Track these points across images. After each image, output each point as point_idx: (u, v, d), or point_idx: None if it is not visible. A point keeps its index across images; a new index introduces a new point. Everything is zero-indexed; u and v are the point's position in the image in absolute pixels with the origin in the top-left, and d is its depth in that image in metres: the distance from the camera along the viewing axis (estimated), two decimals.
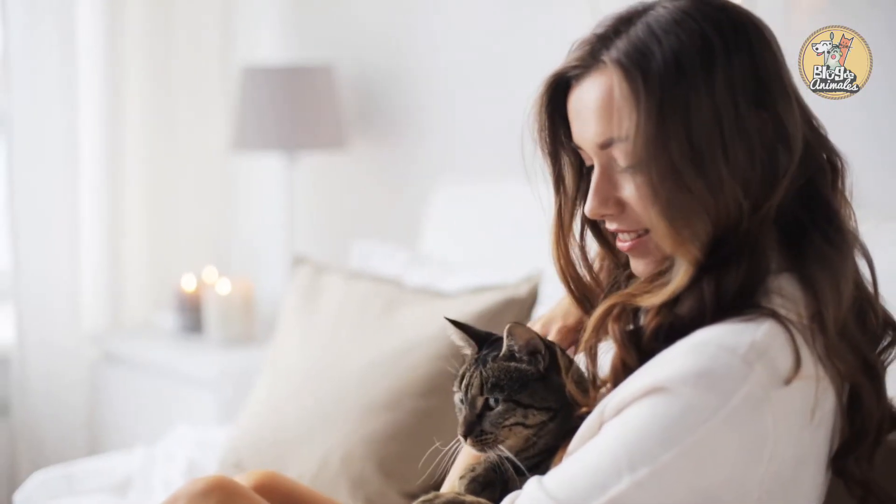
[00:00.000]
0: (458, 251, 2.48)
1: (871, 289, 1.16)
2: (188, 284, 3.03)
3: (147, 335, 3.08)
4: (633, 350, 1.10)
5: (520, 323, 1.20)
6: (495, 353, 1.21)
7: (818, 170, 1.12)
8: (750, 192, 1.07)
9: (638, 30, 1.08)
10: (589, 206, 1.14)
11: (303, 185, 3.15)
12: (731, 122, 1.06)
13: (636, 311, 1.13)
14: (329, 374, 1.98)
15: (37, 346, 2.95)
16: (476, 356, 1.23)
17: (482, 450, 1.19)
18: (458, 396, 1.22)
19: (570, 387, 1.16)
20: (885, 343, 1.16)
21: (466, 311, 1.89)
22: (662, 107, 1.05)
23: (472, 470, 1.21)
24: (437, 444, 1.27)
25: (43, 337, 2.95)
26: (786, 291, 1.08)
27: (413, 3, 2.88)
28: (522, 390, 1.17)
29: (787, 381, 1.03)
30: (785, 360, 1.04)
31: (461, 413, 1.20)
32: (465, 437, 1.19)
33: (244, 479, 1.42)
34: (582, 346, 1.15)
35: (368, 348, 1.96)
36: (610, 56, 1.09)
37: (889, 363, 1.17)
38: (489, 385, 1.18)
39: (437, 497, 1.16)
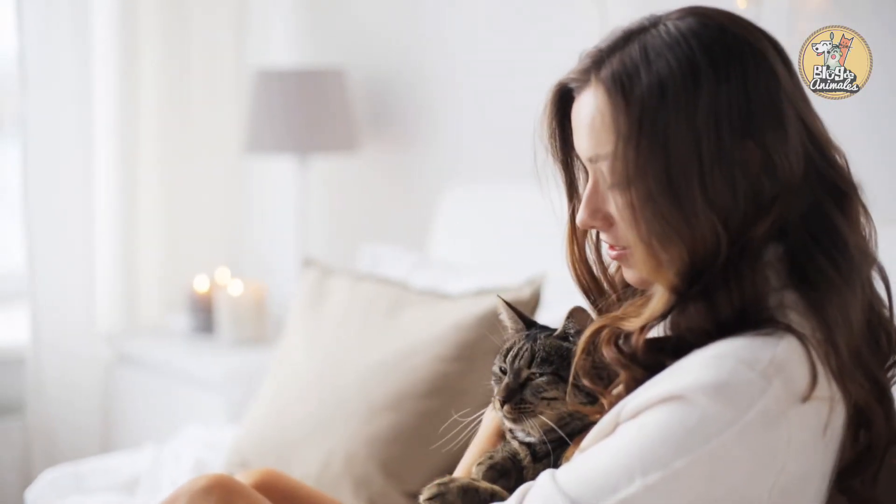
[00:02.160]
0: (467, 254, 2.49)
1: (886, 308, 1.15)
2: (201, 286, 3.05)
3: (160, 336, 3.10)
4: (636, 367, 1.10)
5: (583, 308, 1.22)
6: (548, 332, 1.23)
7: (826, 195, 1.10)
8: (731, 223, 1.06)
9: (632, 50, 1.08)
10: (579, 218, 1.15)
11: (315, 187, 3.16)
12: (711, 152, 1.05)
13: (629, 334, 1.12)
14: (333, 375, 1.99)
15: (51, 347, 2.97)
16: (527, 332, 1.24)
17: (516, 419, 1.19)
18: (498, 367, 1.23)
19: (574, 406, 1.17)
20: (893, 360, 1.15)
21: (469, 312, 1.90)
22: (641, 133, 1.05)
23: (491, 457, 1.22)
24: (456, 416, 1.27)
25: (57, 338, 2.97)
26: (799, 308, 1.08)
27: (424, 8, 2.88)
28: (569, 368, 1.19)
29: (804, 399, 1.03)
30: (802, 377, 1.03)
31: (499, 383, 1.21)
32: (504, 403, 1.19)
33: (245, 478, 1.44)
34: (574, 364, 1.15)
35: (372, 350, 1.97)
36: (600, 75, 1.09)
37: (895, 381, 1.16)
38: (538, 359, 1.20)
39: (452, 481, 1.16)
